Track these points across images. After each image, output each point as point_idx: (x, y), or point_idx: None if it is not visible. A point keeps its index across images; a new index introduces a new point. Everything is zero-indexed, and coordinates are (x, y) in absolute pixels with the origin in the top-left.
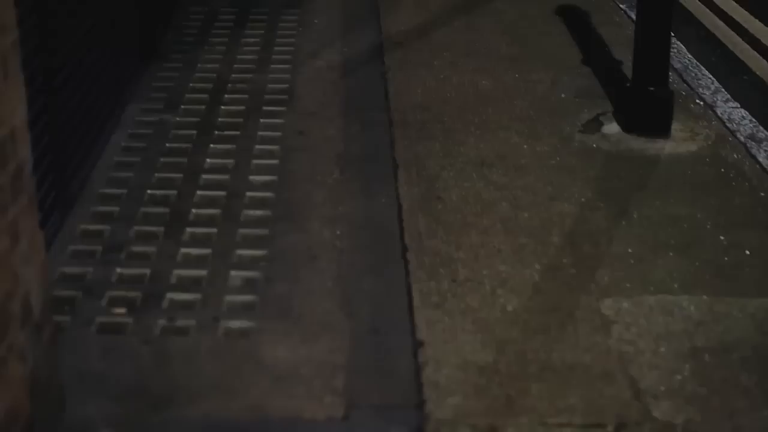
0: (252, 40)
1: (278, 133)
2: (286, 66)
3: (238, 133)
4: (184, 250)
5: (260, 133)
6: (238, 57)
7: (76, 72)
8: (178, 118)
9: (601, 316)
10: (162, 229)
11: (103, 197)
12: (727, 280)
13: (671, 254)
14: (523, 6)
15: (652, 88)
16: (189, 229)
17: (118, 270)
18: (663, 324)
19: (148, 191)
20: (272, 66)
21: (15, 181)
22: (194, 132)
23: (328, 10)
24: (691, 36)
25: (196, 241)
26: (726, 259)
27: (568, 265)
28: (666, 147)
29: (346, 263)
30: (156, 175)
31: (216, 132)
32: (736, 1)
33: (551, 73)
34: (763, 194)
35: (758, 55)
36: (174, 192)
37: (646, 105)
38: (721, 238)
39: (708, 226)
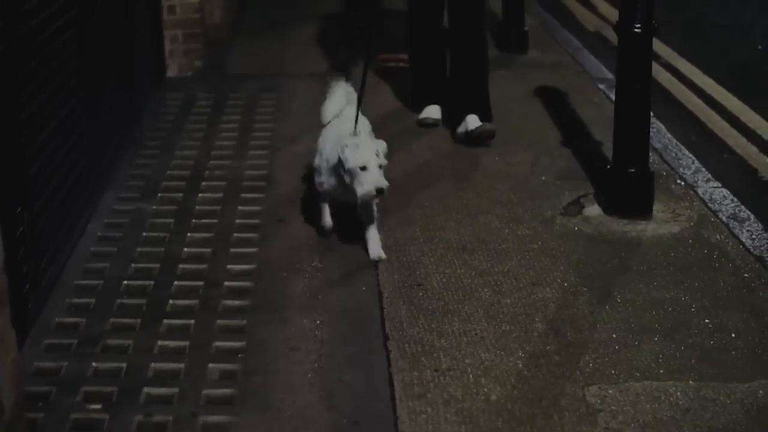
0: (229, 125)
1: (256, 221)
2: (265, 152)
3: (215, 221)
4: (161, 342)
5: (238, 220)
6: (216, 143)
7: (50, 161)
8: (155, 207)
9: (586, 404)
10: (138, 320)
11: (79, 289)
12: (714, 365)
13: (656, 338)
14: (502, 88)
15: (632, 170)
16: (166, 321)
17: (94, 364)
18: (650, 411)
19: (125, 282)
20: (250, 152)
21: None
22: (171, 220)
23: (305, 94)
24: (671, 115)
25: (174, 332)
26: (712, 342)
27: (552, 352)
28: (648, 229)
29: (327, 354)
30: (132, 265)
31: (193, 220)
32: (714, 80)
33: (531, 155)
34: (747, 275)
35: (738, 134)
36: (151, 282)
37: (627, 186)
38: (706, 320)
39: (692, 309)
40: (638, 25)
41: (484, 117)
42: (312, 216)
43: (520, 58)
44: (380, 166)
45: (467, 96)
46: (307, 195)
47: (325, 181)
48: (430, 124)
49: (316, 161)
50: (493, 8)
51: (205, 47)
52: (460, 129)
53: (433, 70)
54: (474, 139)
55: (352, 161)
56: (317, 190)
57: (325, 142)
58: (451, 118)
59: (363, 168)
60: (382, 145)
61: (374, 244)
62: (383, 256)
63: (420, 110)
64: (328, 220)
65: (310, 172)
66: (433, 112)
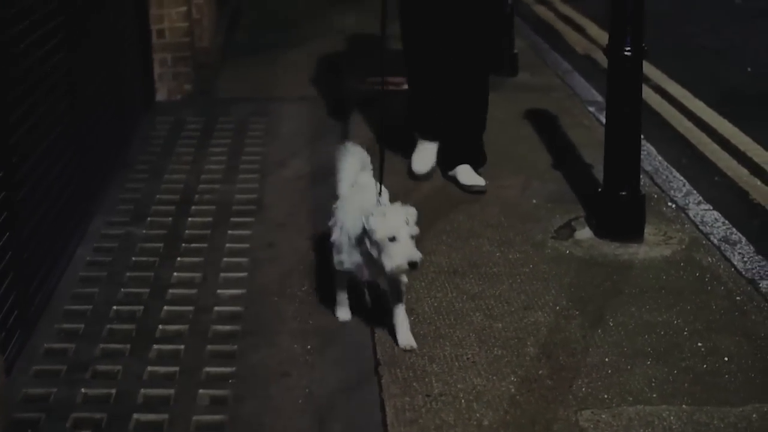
0: (219, 149)
1: (246, 245)
2: (254, 176)
3: (205, 245)
4: (150, 368)
5: (228, 245)
6: (206, 167)
7: (38, 186)
8: (144, 231)
9: (579, 429)
10: (128, 346)
11: (68, 314)
12: (707, 388)
13: (649, 362)
14: (492, 110)
15: (623, 192)
16: (156, 346)
17: (83, 390)
18: None
19: (114, 307)
20: (240, 176)
21: None
22: (161, 245)
23: (295, 117)
24: (661, 138)
25: (163, 358)
26: (705, 366)
27: (545, 377)
28: (639, 252)
29: (318, 379)
30: (122, 290)
31: (183, 245)
32: (704, 102)
33: (522, 178)
34: (739, 298)
35: (728, 156)
36: (140, 308)
37: (618, 209)
38: (699, 344)
39: (685, 333)
40: (628, 48)
41: (477, 165)
42: (302, 241)
43: (510, 80)
44: (411, 236)
45: (461, 146)
46: (316, 258)
47: (346, 259)
48: (420, 177)
49: (334, 236)
50: None
51: (194, 71)
52: (451, 173)
53: (434, 103)
54: (464, 191)
55: (380, 231)
56: (335, 270)
57: (345, 215)
58: (442, 159)
59: (392, 239)
60: (411, 213)
61: (404, 329)
62: (414, 345)
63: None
64: (346, 312)
65: (321, 243)
66: (429, 154)
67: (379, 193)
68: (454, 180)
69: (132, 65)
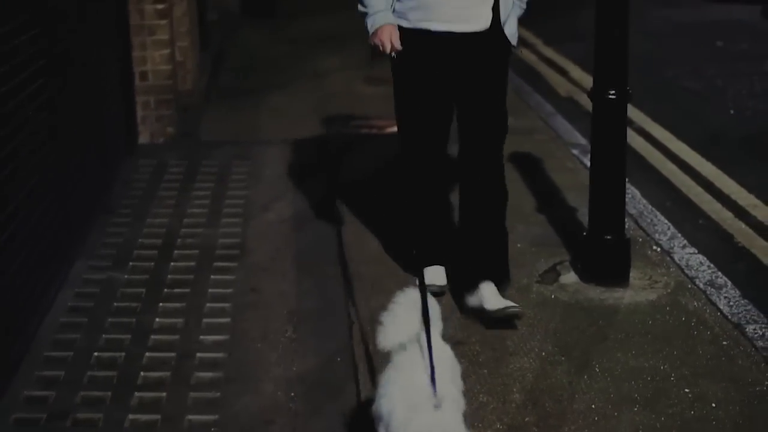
0: (202, 192)
1: (229, 290)
2: (237, 220)
3: (188, 290)
4: (132, 416)
5: (211, 290)
6: (188, 210)
7: (19, 231)
8: (126, 276)
9: None
10: (109, 393)
11: (48, 361)
12: None
13: (636, 409)
14: None
15: (608, 237)
16: (137, 394)
17: None
18: None
19: (95, 353)
20: (223, 220)
21: None
22: (143, 290)
23: (278, 161)
24: (645, 181)
25: (145, 406)
26: (692, 412)
27: (531, 424)
28: (625, 296)
29: (302, 427)
30: (103, 336)
31: (165, 290)
32: (687, 145)
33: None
34: (725, 343)
35: (712, 199)
36: (122, 354)
37: (603, 253)
38: (686, 390)
39: (672, 378)
40: (612, 92)
41: (502, 282)
42: (285, 286)
43: None
44: None
45: (481, 256)
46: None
47: None
48: (434, 293)
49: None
50: None
51: (177, 114)
52: (473, 301)
53: (437, 221)
54: (495, 321)
55: None
56: None
57: (393, 405)
58: (459, 281)
59: None
60: None
61: None
62: None
63: (419, 273)
64: None
65: None
66: (437, 276)
67: (432, 380)
68: (480, 310)
69: (115, 108)
